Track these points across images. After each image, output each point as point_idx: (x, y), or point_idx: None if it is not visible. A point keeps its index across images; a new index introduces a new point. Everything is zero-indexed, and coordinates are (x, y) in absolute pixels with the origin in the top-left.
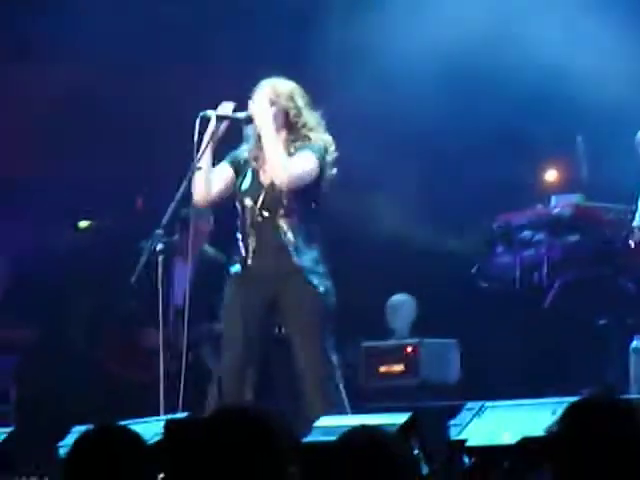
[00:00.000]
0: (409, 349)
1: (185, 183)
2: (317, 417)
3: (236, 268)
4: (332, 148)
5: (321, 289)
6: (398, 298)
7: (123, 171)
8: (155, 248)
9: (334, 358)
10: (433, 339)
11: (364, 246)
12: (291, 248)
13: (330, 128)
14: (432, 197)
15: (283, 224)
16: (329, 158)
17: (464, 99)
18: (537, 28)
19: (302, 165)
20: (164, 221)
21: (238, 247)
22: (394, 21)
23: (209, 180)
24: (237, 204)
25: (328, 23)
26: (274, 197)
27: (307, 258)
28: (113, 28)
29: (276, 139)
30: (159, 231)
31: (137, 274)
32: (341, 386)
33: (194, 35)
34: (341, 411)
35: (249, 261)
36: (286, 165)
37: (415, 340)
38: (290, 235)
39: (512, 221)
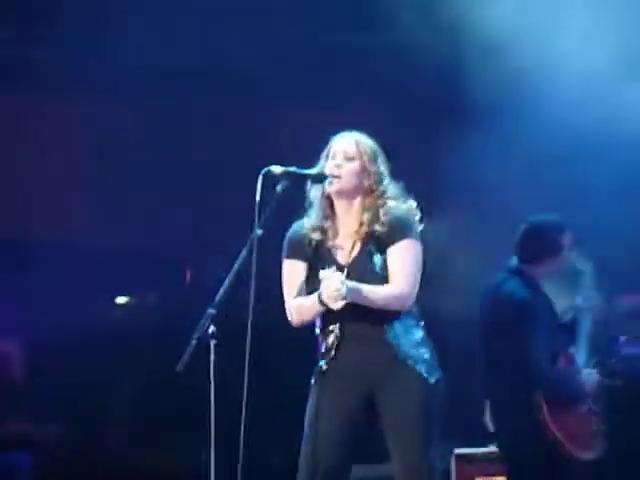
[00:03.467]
0: None
1: (244, 253)
2: None
3: (320, 366)
4: (418, 216)
5: (430, 379)
6: None
7: (170, 238)
8: (207, 330)
9: (437, 466)
10: None
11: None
12: (387, 334)
13: None
14: None
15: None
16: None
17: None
18: None
19: (413, 276)
20: (218, 299)
21: (319, 340)
22: None
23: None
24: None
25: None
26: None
27: (408, 343)
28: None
29: (374, 295)
30: (212, 310)
31: (185, 361)
32: None
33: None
34: None
35: (335, 356)
36: (400, 295)
37: None
38: (384, 319)
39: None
